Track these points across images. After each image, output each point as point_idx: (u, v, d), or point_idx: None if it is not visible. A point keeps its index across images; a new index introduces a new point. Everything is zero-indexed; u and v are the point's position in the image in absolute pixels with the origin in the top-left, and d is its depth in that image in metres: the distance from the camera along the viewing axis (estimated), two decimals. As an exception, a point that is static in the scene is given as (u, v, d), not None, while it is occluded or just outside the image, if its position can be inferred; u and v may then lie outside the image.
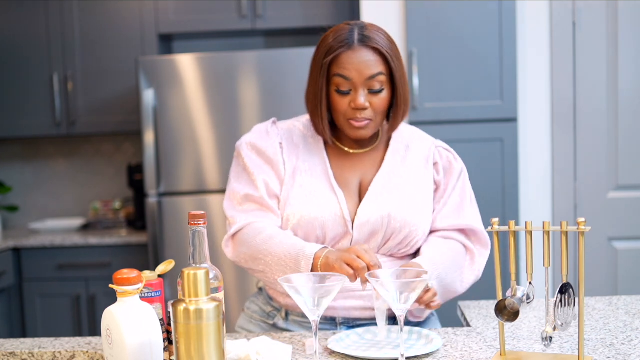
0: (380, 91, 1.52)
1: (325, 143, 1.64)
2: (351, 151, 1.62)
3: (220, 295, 1.23)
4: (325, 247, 1.46)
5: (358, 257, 1.36)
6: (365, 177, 1.60)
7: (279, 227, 1.58)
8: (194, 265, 1.21)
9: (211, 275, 1.22)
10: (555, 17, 3.06)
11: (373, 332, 1.44)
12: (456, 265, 1.55)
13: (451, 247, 1.57)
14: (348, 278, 1.33)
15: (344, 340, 1.39)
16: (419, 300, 1.38)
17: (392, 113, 1.59)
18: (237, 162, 1.64)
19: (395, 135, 1.65)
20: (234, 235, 1.59)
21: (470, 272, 1.58)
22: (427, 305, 1.40)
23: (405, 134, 1.66)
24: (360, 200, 1.58)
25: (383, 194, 1.56)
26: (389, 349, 1.35)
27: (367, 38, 1.51)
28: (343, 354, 1.33)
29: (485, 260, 1.61)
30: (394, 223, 1.52)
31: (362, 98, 1.50)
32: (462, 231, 1.61)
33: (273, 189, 1.59)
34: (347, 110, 1.53)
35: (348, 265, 1.36)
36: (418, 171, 1.61)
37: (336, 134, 1.63)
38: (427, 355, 1.31)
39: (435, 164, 1.63)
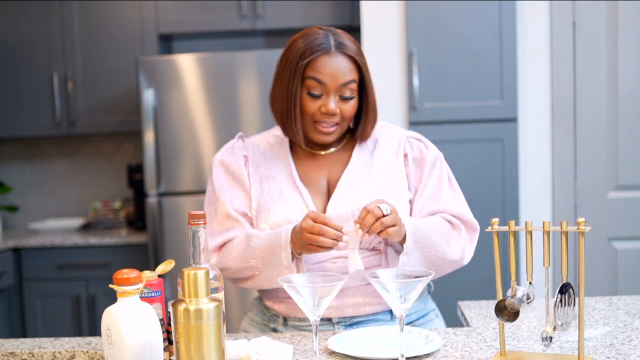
0: (350, 98, 1.55)
1: (291, 148, 1.66)
2: (316, 152, 1.64)
3: (220, 295, 1.23)
4: (294, 228, 1.48)
5: (316, 232, 1.39)
6: (333, 175, 1.62)
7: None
8: (194, 265, 1.21)
9: (211, 275, 1.22)
10: (555, 17, 3.06)
11: (373, 332, 1.44)
12: (439, 229, 1.53)
13: (434, 218, 1.57)
14: (330, 248, 1.40)
15: (343, 340, 1.39)
16: (368, 229, 1.40)
17: (362, 121, 1.61)
18: (209, 179, 1.69)
19: None
20: (218, 249, 1.61)
21: (457, 244, 1.55)
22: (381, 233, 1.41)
23: (375, 130, 1.67)
24: (329, 198, 1.59)
25: (352, 189, 1.57)
26: (389, 348, 1.35)
27: (342, 45, 1.53)
28: (343, 354, 1.33)
29: (474, 243, 1.59)
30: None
31: (332, 104, 1.53)
32: (451, 222, 1.59)
33: (239, 205, 1.61)
34: (315, 113, 1.55)
35: (317, 245, 1.40)
36: (388, 163, 1.61)
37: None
38: (427, 355, 1.31)
39: (405, 155, 1.64)
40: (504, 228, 1.23)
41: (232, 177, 1.64)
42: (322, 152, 1.64)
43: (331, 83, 1.52)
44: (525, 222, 1.20)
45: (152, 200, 3.31)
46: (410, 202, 1.62)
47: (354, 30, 3.61)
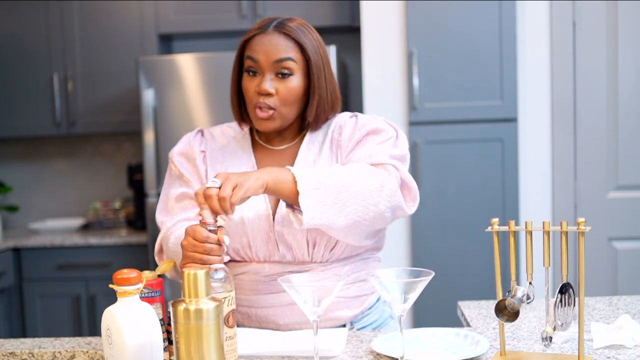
0: (287, 76, 1.45)
1: (253, 144, 1.58)
2: (272, 147, 1.56)
3: (232, 293, 1.23)
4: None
5: (201, 252, 1.25)
6: None
7: None
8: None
9: (221, 276, 1.22)
10: (555, 17, 3.06)
11: (415, 335, 1.40)
12: (348, 171, 1.37)
13: (343, 167, 1.40)
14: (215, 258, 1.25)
15: (388, 342, 1.35)
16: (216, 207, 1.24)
17: (307, 107, 1.50)
18: (170, 172, 1.59)
19: (314, 127, 1.56)
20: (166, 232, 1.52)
21: (382, 182, 1.38)
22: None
23: (331, 123, 1.56)
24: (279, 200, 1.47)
25: None
26: (436, 351, 1.32)
27: (282, 25, 1.47)
28: (388, 356, 1.32)
29: (413, 201, 1.46)
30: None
31: (267, 83, 1.44)
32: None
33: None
34: (253, 96, 1.46)
35: (198, 260, 1.25)
36: (334, 161, 1.51)
37: (260, 132, 1.59)
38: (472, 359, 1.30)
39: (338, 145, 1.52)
40: (504, 228, 1.23)
41: (192, 168, 1.57)
42: (277, 148, 1.55)
43: (264, 60, 1.44)
44: (525, 222, 1.20)
45: (152, 200, 3.31)
46: None
47: (354, 30, 3.61)
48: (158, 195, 3.32)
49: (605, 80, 3.07)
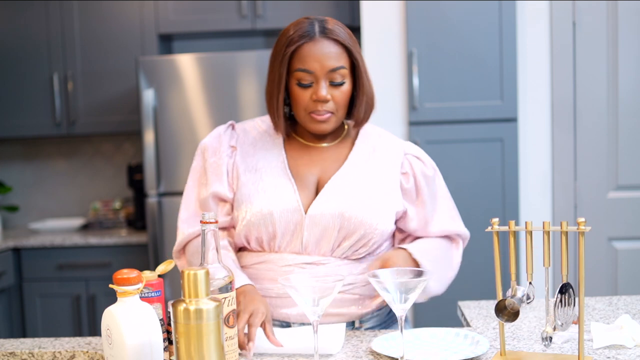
0: (341, 84, 1.49)
1: (284, 138, 1.60)
2: (311, 144, 1.58)
3: (233, 293, 1.23)
4: (248, 284, 1.44)
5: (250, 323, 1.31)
6: (325, 173, 1.55)
7: (226, 227, 1.58)
8: (205, 265, 1.21)
9: (223, 275, 1.22)
10: (555, 17, 3.06)
11: (415, 335, 1.40)
12: (443, 262, 1.59)
13: (441, 243, 1.62)
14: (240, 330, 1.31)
15: (388, 341, 1.35)
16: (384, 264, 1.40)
17: (355, 107, 1.55)
18: (198, 163, 1.62)
19: (362, 135, 1.61)
20: (183, 247, 1.60)
21: (457, 256, 1.66)
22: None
23: (373, 137, 1.62)
24: (316, 195, 1.53)
25: (339, 192, 1.51)
26: (435, 351, 1.32)
27: (328, 30, 1.49)
28: (388, 355, 1.32)
29: (461, 253, 1.68)
30: (348, 224, 1.48)
31: (323, 90, 1.47)
32: (449, 237, 1.66)
33: (222, 193, 1.56)
34: (308, 103, 1.49)
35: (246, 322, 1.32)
36: (382, 175, 1.56)
37: (296, 128, 1.61)
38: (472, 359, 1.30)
39: (404, 173, 1.58)
40: (504, 228, 1.23)
41: (217, 162, 1.59)
42: (317, 145, 1.58)
43: (319, 70, 1.46)
44: (525, 222, 1.20)
45: (152, 200, 3.31)
46: (397, 215, 1.57)
47: (354, 31, 3.61)
48: (158, 195, 3.31)
49: (605, 80, 3.07)
